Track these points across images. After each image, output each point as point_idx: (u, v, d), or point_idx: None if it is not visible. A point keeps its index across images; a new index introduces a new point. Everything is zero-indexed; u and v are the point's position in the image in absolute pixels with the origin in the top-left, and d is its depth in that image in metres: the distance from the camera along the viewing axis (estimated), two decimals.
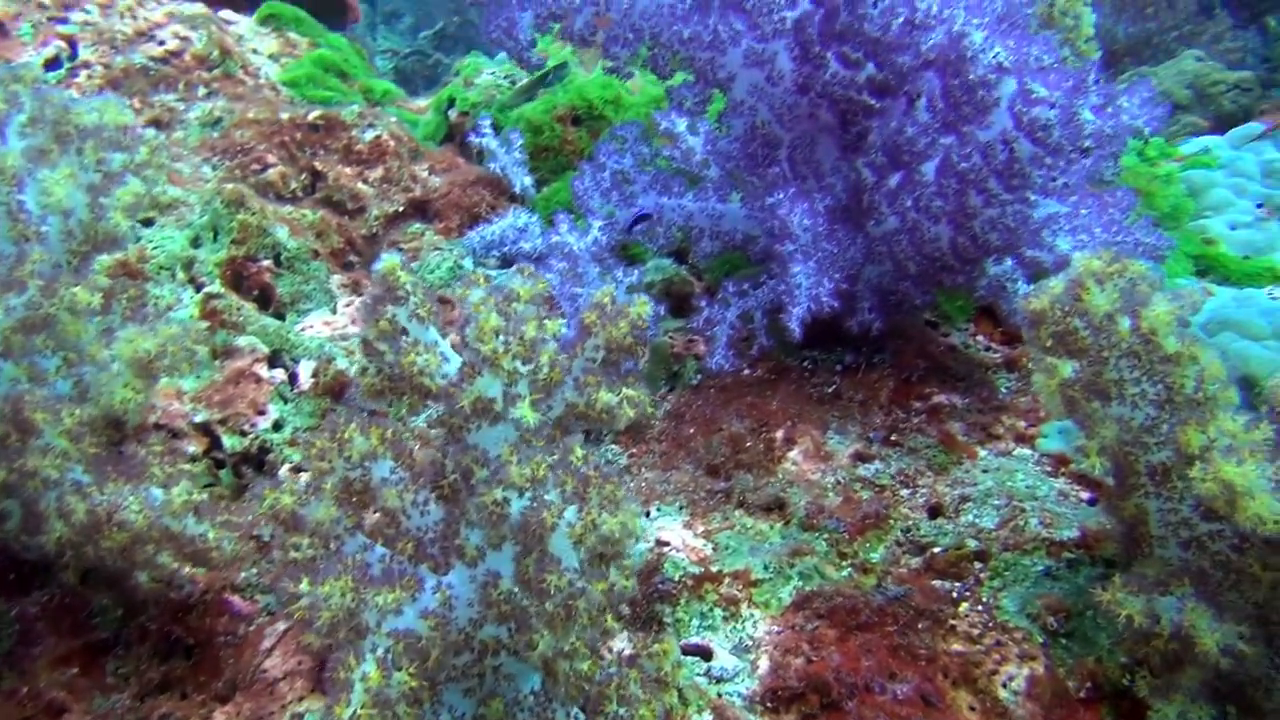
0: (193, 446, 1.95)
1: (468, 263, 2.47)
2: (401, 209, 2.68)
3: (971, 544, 1.73)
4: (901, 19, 1.92)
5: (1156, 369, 1.37)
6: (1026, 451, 2.01)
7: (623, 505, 1.22)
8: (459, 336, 1.35)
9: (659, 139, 2.44)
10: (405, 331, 1.36)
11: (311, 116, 2.70)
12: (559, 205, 2.80)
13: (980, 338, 2.44)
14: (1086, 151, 1.79)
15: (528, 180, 2.79)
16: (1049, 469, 1.95)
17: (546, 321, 1.30)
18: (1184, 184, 3.12)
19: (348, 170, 2.67)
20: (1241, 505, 1.17)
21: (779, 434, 2.08)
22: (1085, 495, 1.87)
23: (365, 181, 2.68)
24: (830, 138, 2.29)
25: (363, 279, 2.44)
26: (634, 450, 2.16)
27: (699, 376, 2.33)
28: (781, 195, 2.06)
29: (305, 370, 2.11)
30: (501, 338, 1.26)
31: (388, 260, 1.34)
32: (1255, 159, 3.20)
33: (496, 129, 2.84)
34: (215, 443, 1.98)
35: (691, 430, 2.15)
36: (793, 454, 2.03)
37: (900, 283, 2.24)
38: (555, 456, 1.29)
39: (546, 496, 1.25)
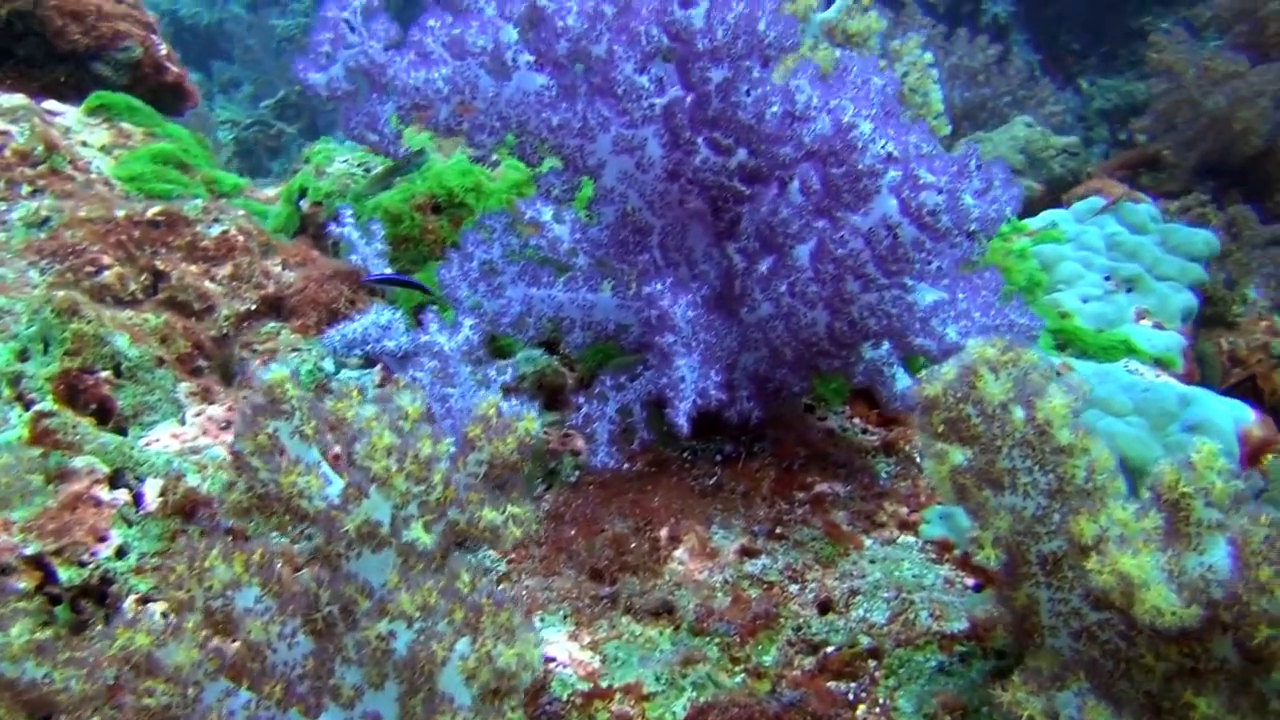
0: (23, 582, 1.81)
1: (328, 363, 2.39)
2: (254, 307, 2.59)
3: (864, 641, 1.74)
4: (776, 108, 1.97)
5: (1048, 459, 1.41)
6: (910, 539, 2.05)
7: (519, 635, 1.18)
8: (344, 454, 1.30)
9: (525, 228, 2.44)
10: (284, 449, 1.30)
11: (151, 213, 2.60)
12: (420, 298, 2.76)
13: (857, 420, 2.49)
14: (973, 236, 1.86)
15: (389, 272, 2.74)
16: (933, 556, 2.00)
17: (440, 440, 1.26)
18: (1036, 258, 3.29)
19: (193, 268, 2.57)
20: (1139, 598, 1.21)
21: (663, 532, 2.07)
22: (970, 582, 1.92)
23: (213, 279, 2.59)
24: (701, 224, 2.33)
25: (213, 385, 2.34)
26: (513, 556, 2.11)
27: (577, 473, 2.30)
28: (659, 285, 2.07)
29: (151, 489, 1.99)
30: (394, 456, 1.22)
31: (278, 371, 1.29)
32: (1099, 232, 3.41)
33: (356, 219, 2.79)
34: (50, 576, 1.84)
35: (572, 532, 2.12)
36: (678, 553, 2.02)
37: (777, 370, 2.28)
38: (442, 583, 1.25)
39: (437, 628, 1.20)
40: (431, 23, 2.16)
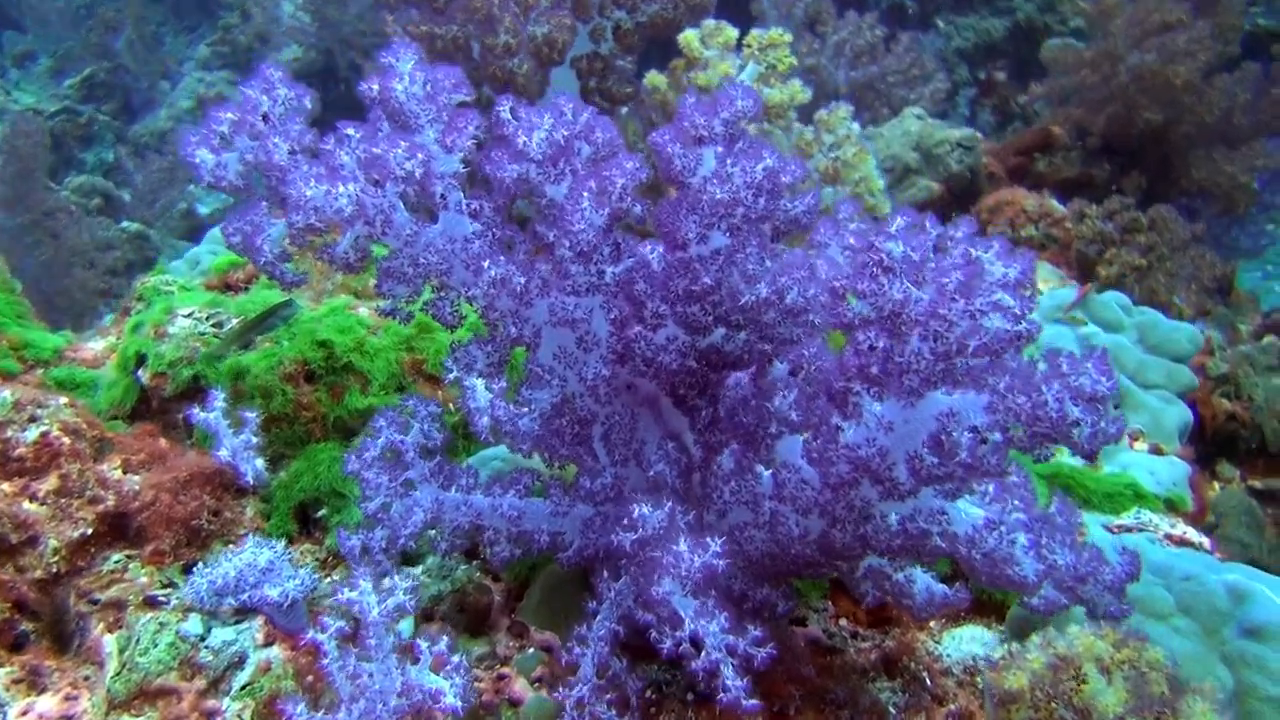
0: None
1: (193, 623, 2.03)
2: (90, 530, 2.23)
3: None
4: (799, 289, 1.74)
5: None
6: None
7: None
8: None
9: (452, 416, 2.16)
10: None
11: None
12: (302, 494, 2.44)
13: (843, 622, 2.28)
14: (1091, 457, 1.63)
15: (260, 463, 2.42)
16: None
17: None
18: None
19: (6, 487, 2.20)
20: None
21: None
22: None
23: (34, 499, 2.22)
24: (652, 413, 2.08)
25: (42, 660, 1.98)
26: None
27: None
28: (652, 509, 1.77)
29: None
30: None
31: None
32: (1072, 334, 3.28)
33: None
34: None
35: None
36: None
37: (756, 588, 2.04)
38: None
39: None
40: (350, 131, 1.83)
